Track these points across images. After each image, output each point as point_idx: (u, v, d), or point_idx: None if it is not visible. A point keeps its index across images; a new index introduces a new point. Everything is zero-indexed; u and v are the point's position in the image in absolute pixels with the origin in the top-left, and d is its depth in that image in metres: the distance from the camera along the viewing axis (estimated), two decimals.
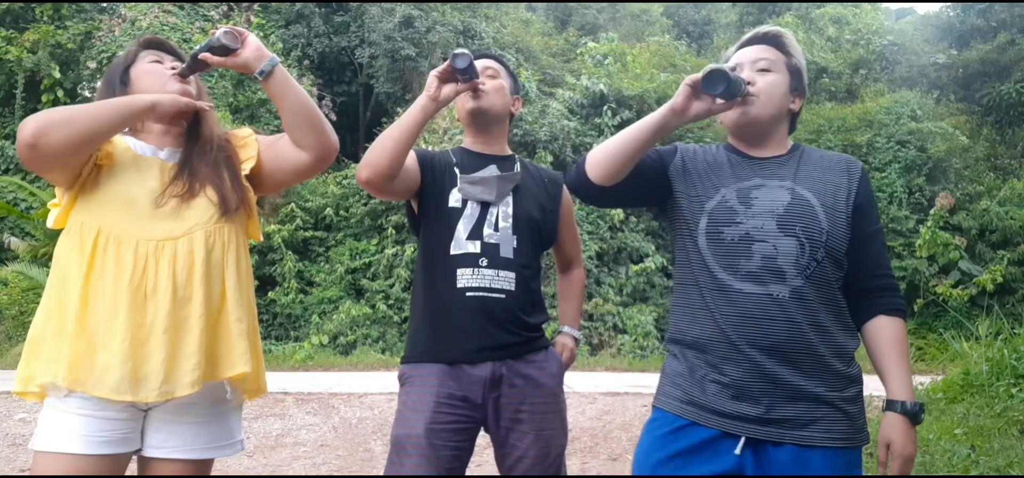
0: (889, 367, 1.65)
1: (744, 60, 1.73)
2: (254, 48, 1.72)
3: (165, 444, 1.67)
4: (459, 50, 1.90)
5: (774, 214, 1.63)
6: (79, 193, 1.65)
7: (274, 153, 1.82)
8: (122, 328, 1.57)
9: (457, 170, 2.10)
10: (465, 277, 2.01)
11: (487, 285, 2.01)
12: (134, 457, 1.71)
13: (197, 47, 1.75)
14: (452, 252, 2.03)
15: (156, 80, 1.75)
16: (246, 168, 1.80)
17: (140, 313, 1.59)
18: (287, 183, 1.89)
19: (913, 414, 1.62)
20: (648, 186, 1.76)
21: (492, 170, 2.11)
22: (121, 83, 1.77)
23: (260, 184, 1.85)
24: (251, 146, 1.83)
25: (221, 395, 1.73)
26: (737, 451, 1.59)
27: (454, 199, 2.07)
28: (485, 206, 2.07)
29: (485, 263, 2.02)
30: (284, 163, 1.81)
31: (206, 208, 1.70)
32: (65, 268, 1.63)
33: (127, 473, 1.69)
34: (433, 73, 1.92)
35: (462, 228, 2.04)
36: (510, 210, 2.08)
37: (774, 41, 1.76)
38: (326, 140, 1.77)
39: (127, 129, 1.74)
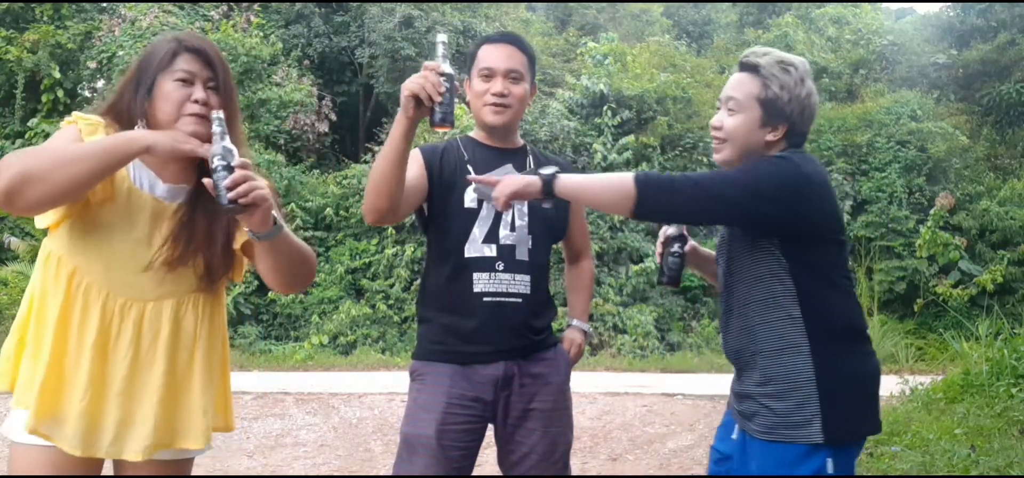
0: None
1: (723, 94, 1.86)
2: (265, 211, 1.56)
3: None
4: (438, 114, 1.75)
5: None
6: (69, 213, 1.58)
7: (258, 253, 1.70)
8: (83, 384, 1.54)
9: (470, 168, 2.05)
10: (481, 282, 2.00)
11: (503, 290, 2.01)
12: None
13: (218, 155, 1.50)
14: (467, 254, 2.01)
15: (172, 110, 1.60)
16: (238, 241, 1.71)
17: (100, 370, 1.56)
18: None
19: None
20: None
21: (508, 170, 2.05)
22: (148, 91, 1.62)
23: (237, 264, 1.76)
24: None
25: None
26: (734, 436, 1.89)
27: (470, 200, 2.04)
28: None
29: (501, 267, 2.01)
30: (261, 268, 1.72)
31: (188, 278, 1.64)
32: (44, 295, 1.58)
33: (103, 473, 1.67)
34: (406, 90, 1.75)
35: (478, 230, 2.02)
36: (525, 207, 2.06)
37: (752, 69, 1.81)
38: (308, 282, 1.78)
39: None
